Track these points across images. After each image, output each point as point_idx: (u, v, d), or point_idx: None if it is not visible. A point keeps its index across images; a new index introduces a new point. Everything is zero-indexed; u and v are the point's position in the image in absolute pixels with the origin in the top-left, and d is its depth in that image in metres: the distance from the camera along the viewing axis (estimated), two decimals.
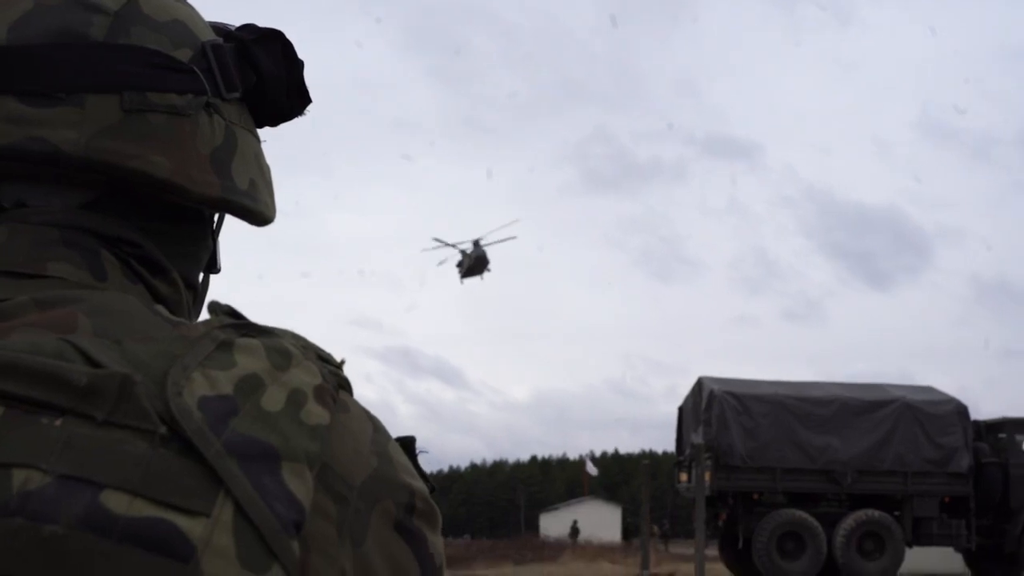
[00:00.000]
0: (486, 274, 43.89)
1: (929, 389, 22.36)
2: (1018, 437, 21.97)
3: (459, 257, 43.85)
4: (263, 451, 0.67)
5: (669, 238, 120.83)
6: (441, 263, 42.96)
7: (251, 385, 0.70)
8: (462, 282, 44.08)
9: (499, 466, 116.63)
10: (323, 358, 0.77)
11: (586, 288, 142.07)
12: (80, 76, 0.80)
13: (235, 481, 0.65)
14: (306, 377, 0.72)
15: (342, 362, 0.80)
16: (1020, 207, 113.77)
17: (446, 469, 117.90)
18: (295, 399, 0.71)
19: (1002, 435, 21.84)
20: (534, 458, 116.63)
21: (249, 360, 0.71)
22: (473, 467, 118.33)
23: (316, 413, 0.71)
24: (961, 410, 21.27)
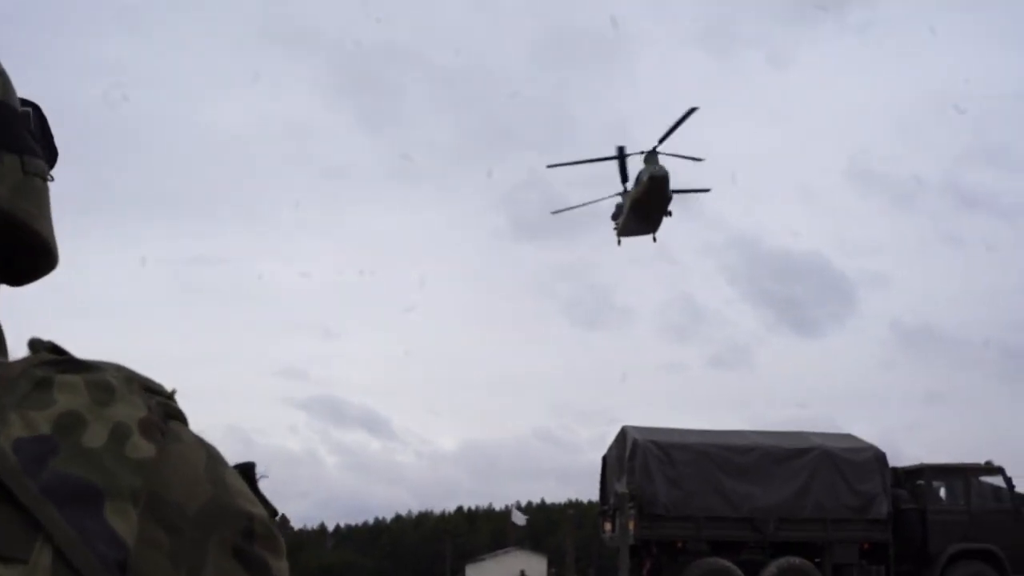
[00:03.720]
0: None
1: (848, 436, 22.67)
2: (936, 483, 22.34)
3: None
4: (84, 490, 0.66)
5: (598, 285, 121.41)
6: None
7: (71, 423, 0.69)
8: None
9: (425, 517, 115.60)
10: (151, 389, 0.76)
11: (514, 336, 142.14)
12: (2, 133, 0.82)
13: (53, 524, 0.64)
14: (130, 410, 0.72)
15: (173, 392, 0.79)
16: (942, 253, 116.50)
17: (371, 521, 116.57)
18: (118, 434, 0.70)
19: (920, 481, 22.18)
20: (460, 508, 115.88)
21: (69, 397, 0.70)
22: (398, 518, 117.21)
23: (141, 447, 0.70)
24: (879, 457, 21.58)
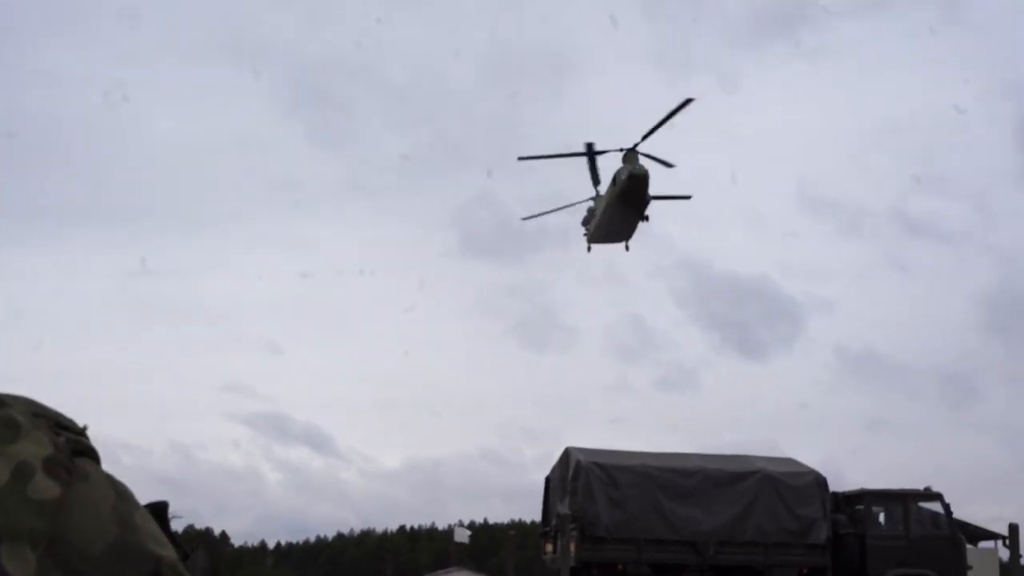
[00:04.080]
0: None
1: (790, 461, 22.83)
2: (875, 509, 22.55)
3: None
4: None
5: (546, 306, 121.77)
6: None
7: None
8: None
9: (367, 535, 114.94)
10: (61, 425, 0.74)
11: (462, 354, 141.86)
12: None
13: None
14: (35, 448, 0.69)
15: (84, 428, 0.76)
16: (887, 279, 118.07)
17: (312, 539, 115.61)
18: (21, 473, 0.67)
19: (860, 506, 22.38)
20: (403, 527, 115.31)
21: None
22: (340, 536, 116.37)
23: (45, 486, 0.68)
24: (820, 482, 21.74)
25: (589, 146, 26.12)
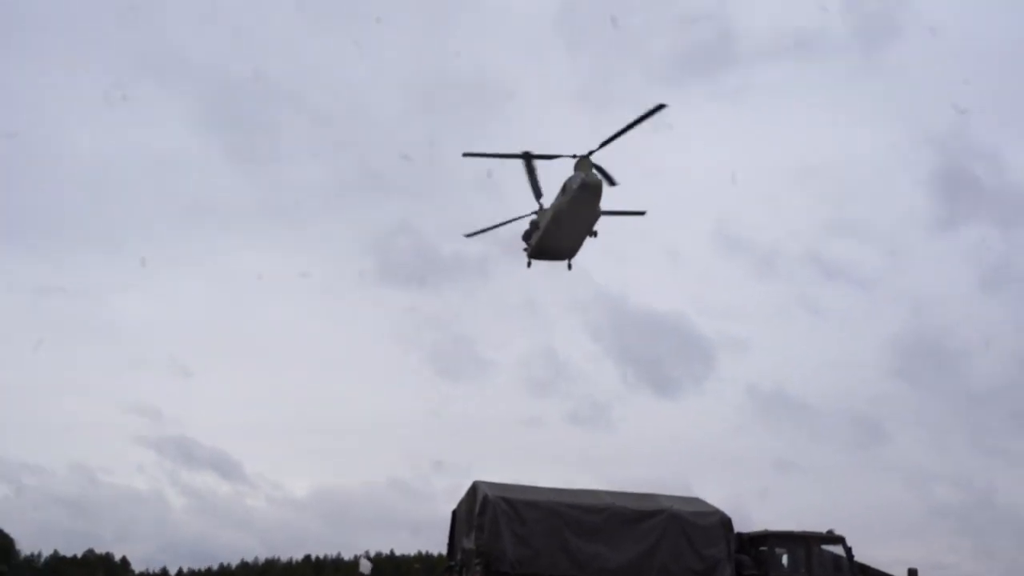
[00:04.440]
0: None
1: (696, 500, 22.86)
2: (779, 550, 22.66)
3: None
4: None
5: (462, 336, 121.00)
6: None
7: None
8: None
9: (271, 564, 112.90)
10: None
11: (375, 382, 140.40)
12: None
13: None
14: None
15: None
16: (799, 320, 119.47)
17: (216, 566, 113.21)
18: None
19: (764, 548, 22.47)
20: (308, 557, 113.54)
21: None
22: (244, 564, 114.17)
23: None
24: (725, 522, 21.79)
25: (526, 155, 24.41)
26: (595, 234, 24.73)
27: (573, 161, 23.41)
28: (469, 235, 28.61)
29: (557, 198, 24.34)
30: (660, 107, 22.06)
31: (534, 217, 25.68)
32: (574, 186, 23.45)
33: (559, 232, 24.60)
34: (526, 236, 26.32)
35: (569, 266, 25.94)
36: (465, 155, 24.69)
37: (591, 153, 23.18)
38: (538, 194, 24.74)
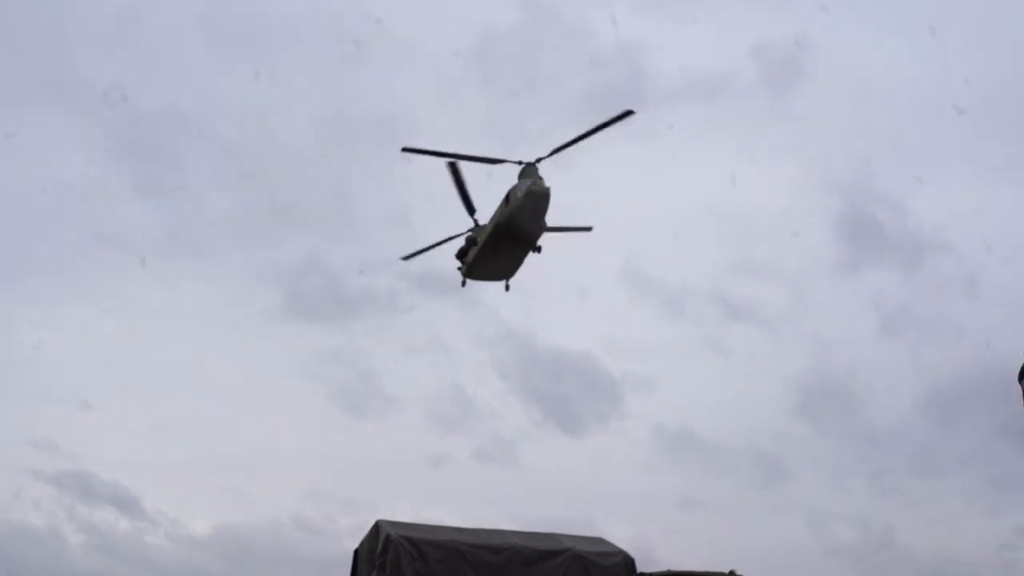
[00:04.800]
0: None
1: (599, 540, 22.86)
2: None
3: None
4: None
5: (369, 372, 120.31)
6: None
7: None
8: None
9: None
10: None
11: (279, 419, 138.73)
12: None
13: None
14: None
15: None
16: (705, 359, 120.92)
17: None
18: None
19: None
20: None
21: None
22: None
23: None
24: (628, 562, 21.82)
25: (452, 166, 23.15)
26: (539, 249, 23.20)
27: (518, 169, 22.21)
28: (405, 257, 27.72)
29: (499, 209, 22.90)
30: (628, 113, 20.98)
31: (470, 233, 24.37)
32: (519, 194, 22.06)
33: (499, 247, 23.09)
34: (460, 254, 24.94)
35: (507, 287, 24.54)
36: (404, 150, 23.28)
37: (539, 160, 22.07)
38: (471, 208, 23.71)
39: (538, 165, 22.05)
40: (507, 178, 23.16)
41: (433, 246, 25.95)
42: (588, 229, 25.86)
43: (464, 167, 23.45)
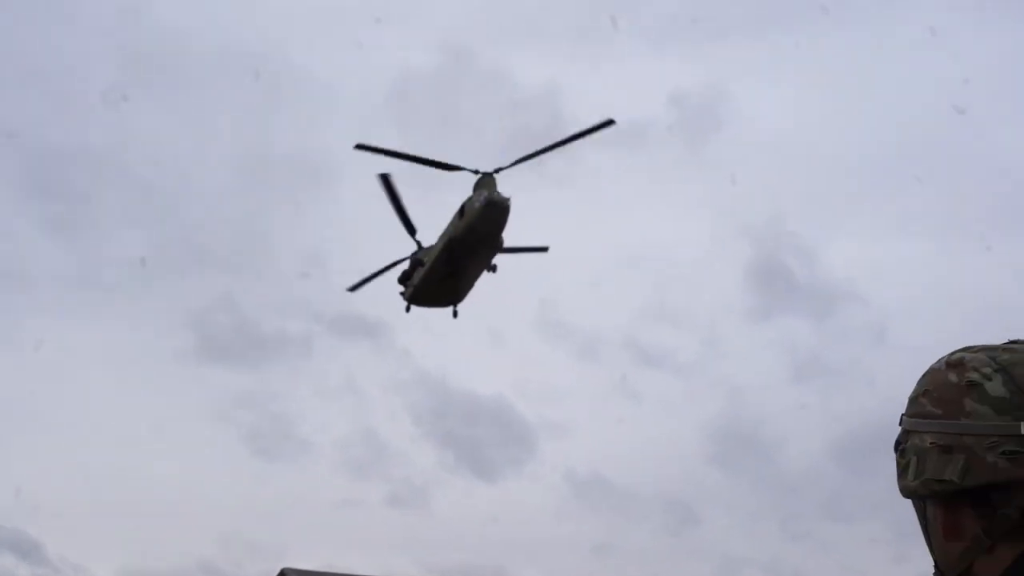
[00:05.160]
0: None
1: None
2: None
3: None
4: None
5: (280, 415, 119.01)
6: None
7: None
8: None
9: None
10: None
11: (188, 462, 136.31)
12: None
13: None
14: None
15: None
16: (619, 405, 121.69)
17: None
18: None
19: None
20: None
21: None
22: None
23: None
24: None
25: (384, 177, 21.29)
26: (494, 269, 21.16)
27: (474, 179, 20.36)
28: (351, 288, 25.53)
29: (451, 224, 20.89)
30: (609, 122, 19.59)
31: (415, 255, 22.52)
32: (477, 205, 20.02)
33: (453, 264, 20.80)
34: (404, 278, 22.87)
35: (455, 313, 22.37)
36: (357, 147, 21.14)
37: (499, 171, 20.29)
38: (410, 227, 21.94)
39: (496, 176, 20.31)
40: (446, 202, 21.59)
41: (378, 273, 24.02)
42: (544, 250, 24.14)
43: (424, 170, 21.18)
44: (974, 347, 2.19)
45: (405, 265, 22.81)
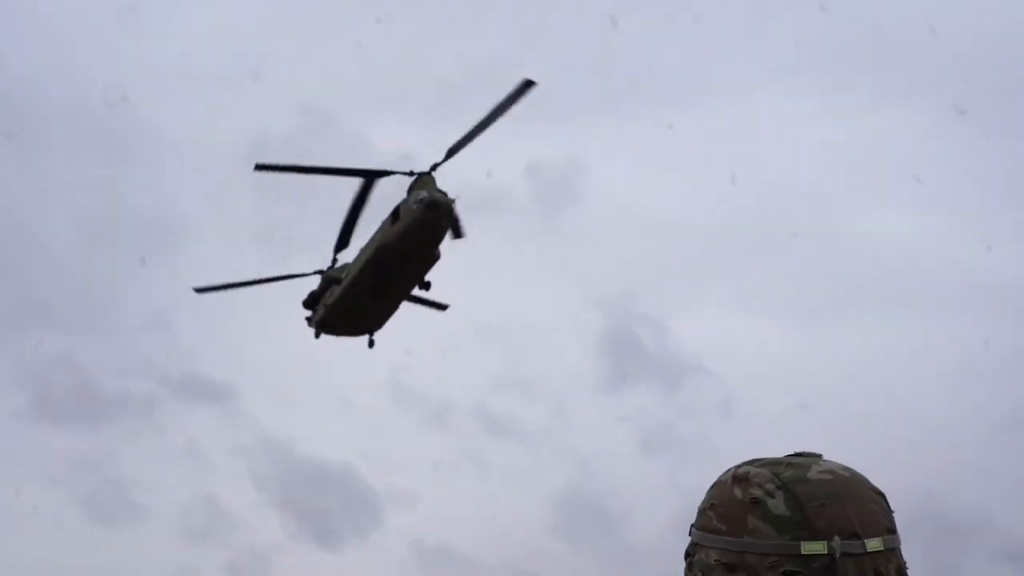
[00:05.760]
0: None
1: None
2: None
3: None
4: None
5: (118, 479, 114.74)
6: None
7: None
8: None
9: None
10: None
11: (18, 527, 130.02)
12: None
13: None
14: None
15: None
16: (467, 474, 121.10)
17: None
18: None
19: None
20: None
21: None
22: None
23: None
24: None
25: (364, 182, 18.63)
26: (428, 285, 19.18)
27: (409, 180, 18.52)
28: (199, 289, 23.33)
29: (381, 230, 18.72)
30: (529, 84, 17.42)
31: (327, 272, 20.36)
32: (416, 206, 17.86)
33: (378, 278, 18.51)
34: (311, 301, 20.62)
35: (371, 342, 20.34)
36: (258, 167, 19.18)
37: (435, 167, 18.34)
38: (344, 242, 19.46)
39: (434, 174, 18.35)
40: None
41: (236, 285, 21.89)
42: (444, 307, 22.32)
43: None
44: (760, 460, 2.19)
45: (301, 285, 20.71)
